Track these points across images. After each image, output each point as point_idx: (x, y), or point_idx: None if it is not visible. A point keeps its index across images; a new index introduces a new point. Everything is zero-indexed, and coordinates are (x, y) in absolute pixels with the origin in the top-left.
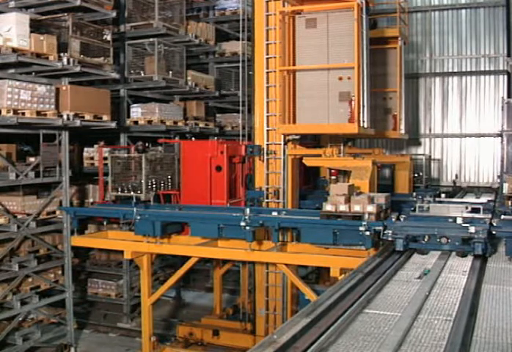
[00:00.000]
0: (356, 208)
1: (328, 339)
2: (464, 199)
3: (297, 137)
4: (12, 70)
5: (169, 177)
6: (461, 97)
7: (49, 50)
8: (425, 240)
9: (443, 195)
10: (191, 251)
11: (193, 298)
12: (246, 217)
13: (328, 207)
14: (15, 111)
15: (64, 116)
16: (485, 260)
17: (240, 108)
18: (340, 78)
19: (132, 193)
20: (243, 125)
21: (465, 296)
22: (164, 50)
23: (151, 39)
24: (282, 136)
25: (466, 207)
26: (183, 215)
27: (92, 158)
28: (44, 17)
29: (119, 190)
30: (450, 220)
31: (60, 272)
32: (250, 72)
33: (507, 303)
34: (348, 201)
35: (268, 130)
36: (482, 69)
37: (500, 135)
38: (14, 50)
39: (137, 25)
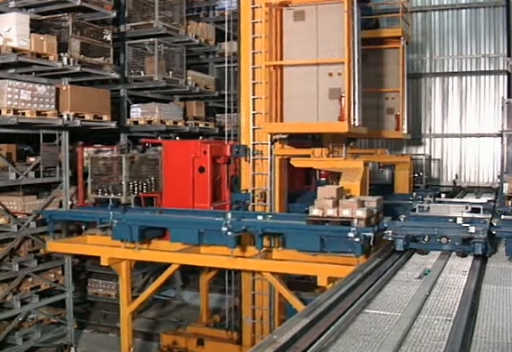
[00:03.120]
0: (345, 213)
1: (328, 339)
2: (464, 199)
3: (284, 136)
4: (12, 70)
5: (152, 178)
6: (461, 97)
7: (49, 50)
8: (425, 240)
9: (443, 195)
10: (170, 257)
11: (192, 298)
12: (228, 222)
13: (314, 211)
14: (15, 111)
15: (64, 116)
16: (485, 260)
17: (226, 106)
18: (330, 74)
19: (112, 195)
20: (229, 123)
21: (465, 296)
22: (164, 50)
23: (151, 39)
24: (269, 136)
25: (466, 207)
26: (161, 220)
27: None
28: (44, 17)
29: (100, 192)
30: (450, 220)
31: (60, 272)
32: (235, 69)
33: (507, 303)
34: (336, 205)
35: (254, 129)
36: (482, 69)
37: (500, 135)
38: (14, 50)
39: (137, 25)
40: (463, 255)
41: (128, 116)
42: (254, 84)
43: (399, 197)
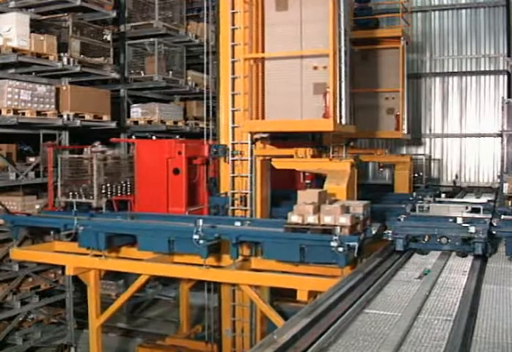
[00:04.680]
0: (327, 220)
1: (328, 339)
2: (464, 199)
3: (265, 135)
4: (12, 70)
5: (128, 180)
6: (461, 97)
7: (49, 50)
8: (425, 240)
9: (443, 195)
10: (138, 267)
11: (192, 297)
12: (199, 229)
13: (293, 218)
14: (15, 111)
15: (64, 116)
16: (485, 260)
17: (205, 102)
18: (315, 68)
19: (83, 199)
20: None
21: (465, 296)
22: (164, 50)
23: (151, 39)
24: (249, 135)
25: (466, 207)
26: (129, 226)
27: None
28: (44, 17)
29: (70, 195)
30: (450, 220)
31: (60, 272)
32: (214, 62)
33: (507, 303)
34: (317, 211)
35: (233, 128)
36: (482, 69)
37: (500, 135)
38: (14, 50)
39: (137, 25)
40: (463, 255)
41: (128, 116)
42: (233, 79)
43: (399, 197)
